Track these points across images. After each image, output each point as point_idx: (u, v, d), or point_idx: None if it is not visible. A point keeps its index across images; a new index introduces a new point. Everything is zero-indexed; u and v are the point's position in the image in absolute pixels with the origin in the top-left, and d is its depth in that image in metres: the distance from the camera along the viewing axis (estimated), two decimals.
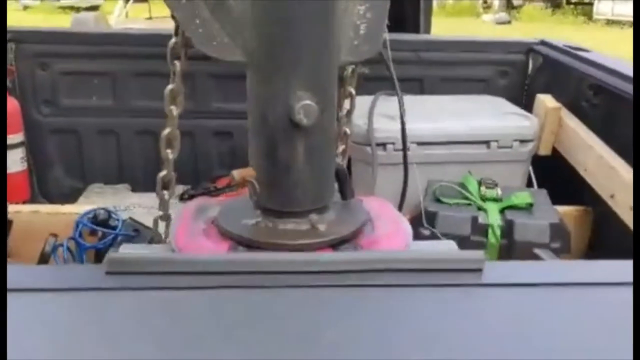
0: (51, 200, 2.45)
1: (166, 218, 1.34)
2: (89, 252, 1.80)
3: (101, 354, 0.54)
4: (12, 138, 2.30)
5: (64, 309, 0.60)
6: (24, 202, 2.29)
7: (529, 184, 2.16)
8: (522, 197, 1.81)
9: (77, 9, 12.93)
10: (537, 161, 2.18)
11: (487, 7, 18.65)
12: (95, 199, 2.38)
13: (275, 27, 1.01)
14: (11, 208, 1.83)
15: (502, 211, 1.79)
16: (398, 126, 1.96)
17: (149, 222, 1.93)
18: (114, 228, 1.84)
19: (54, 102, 2.45)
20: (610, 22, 16.82)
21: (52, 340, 0.56)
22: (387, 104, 2.16)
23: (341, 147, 1.43)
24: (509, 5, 18.62)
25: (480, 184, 1.89)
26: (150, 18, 7.79)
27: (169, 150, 1.24)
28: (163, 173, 1.25)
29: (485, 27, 15.51)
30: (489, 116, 2.18)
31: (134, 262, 0.65)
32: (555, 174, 2.16)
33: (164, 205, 1.30)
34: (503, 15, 17.36)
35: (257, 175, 1.08)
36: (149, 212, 2.36)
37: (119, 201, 2.41)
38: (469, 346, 0.56)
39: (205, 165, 2.57)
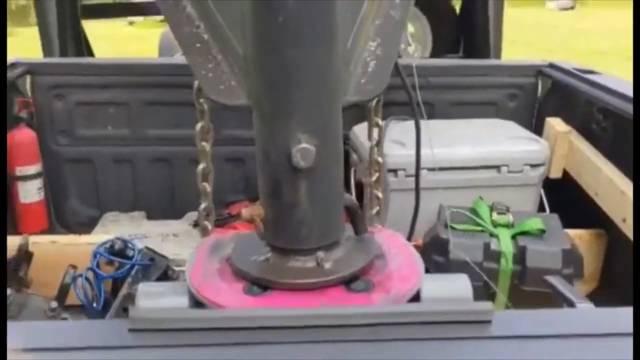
0: (68, 229, 2.49)
1: None
2: (107, 282, 1.84)
3: None
4: (30, 169, 2.35)
5: None
6: (42, 232, 2.34)
7: (541, 208, 2.16)
8: (534, 223, 1.82)
9: None
10: (549, 184, 2.19)
11: None
12: (111, 227, 2.42)
13: (274, 70, 1.03)
14: (31, 239, 1.87)
15: (514, 237, 1.79)
16: (409, 152, 1.98)
17: (163, 250, 1.98)
18: (131, 257, 1.87)
19: (70, 132, 2.50)
20: None
21: None
22: (397, 130, 2.19)
23: (375, 176, 1.44)
24: None
25: (491, 209, 1.90)
26: None
27: (205, 184, 1.28)
28: (203, 205, 1.29)
29: (549, 14, 15.44)
30: (499, 141, 2.19)
31: (157, 320, 0.67)
32: (566, 197, 2.16)
33: (206, 235, 1.34)
34: (566, 2, 17.54)
35: (265, 212, 1.11)
36: (164, 240, 2.40)
37: (134, 229, 2.45)
38: None
39: (219, 191, 2.60)
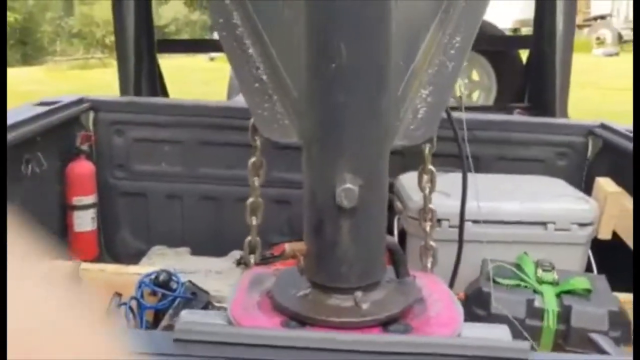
0: (116, 260, 2.56)
1: None
2: (149, 312, 1.88)
3: None
4: (86, 199, 2.46)
5: None
6: (92, 261, 2.42)
7: (589, 269, 2.11)
8: (580, 282, 1.78)
9: None
10: (597, 246, 2.14)
11: (600, 42, 20.42)
12: (157, 260, 2.49)
13: (325, 113, 1.07)
14: (81, 266, 1.94)
15: (558, 295, 1.75)
16: (453, 202, 1.98)
17: (206, 285, 2.01)
18: (174, 290, 1.91)
19: (126, 166, 2.61)
20: None
21: None
22: (443, 181, 2.19)
23: (428, 225, 1.46)
24: (619, 40, 20.43)
25: (536, 265, 1.87)
26: None
27: (253, 218, 1.32)
28: (248, 239, 1.33)
29: (594, 59, 16.61)
30: (545, 197, 2.17)
31: (200, 332, 0.70)
32: (615, 260, 2.10)
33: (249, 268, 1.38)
34: (611, 49, 19.28)
35: (307, 248, 1.13)
36: (207, 276, 2.45)
37: (179, 263, 2.50)
38: None
39: (264, 232, 2.65)
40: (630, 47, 19.69)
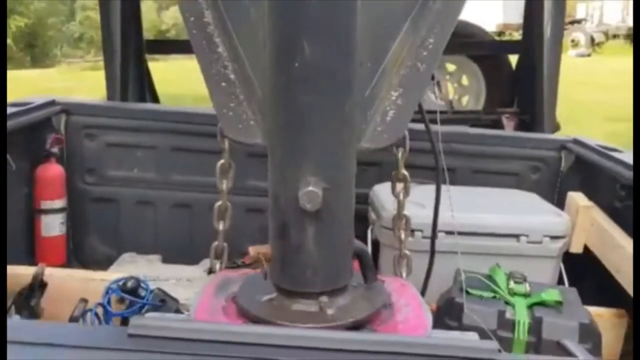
0: (85, 266, 2.51)
1: None
2: (116, 320, 1.83)
3: None
4: (55, 203, 2.41)
5: None
6: (59, 266, 2.36)
7: (560, 282, 2.12)
8: (551, 294, 1.78)
9: None
10: (569, 259, 2.16)
11: (575, 44, 21.94)
12: (127, 267, 2.44)
13: (287, 113, 1.05)
14: (47, 271, 1.89)
15: (530, 307, 1.75)
16: (427, 213, 1.98)
17: (175, 293, 1.97)
18: (142, 297, 1.87)
19: (98, 171, 2.56)
20: None
21: None
22: (418, 192, 2.19)
23: (402, 234, 1.43)
24: (592, 43, 22.12)
25: (508, 277, 1.87)
26: None
27: (221, 222, 1.29)
28: (215, 244, 1.30)
29: (568, 60, 18.70)
30: (519, 210, 2.18)
31: (155, 327, 0.68)
32: (587, 273, 2.12)
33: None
34: (584, 50, 20.89)
35: (272, 253, 1.11)
36: (177, 284, 2.40)
37: (149, 271, 2.46)
38: None
39: (236, 240, 2.62)
40: (601, 49, 21.93)
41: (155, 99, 3.26)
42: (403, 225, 1.43)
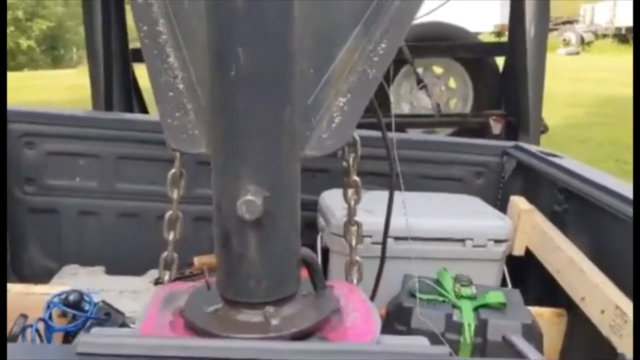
0: (23, 280, 2.41)
1: None
2: (58, 335, 1.77)
3: None
4: None
5: None
6: None
7: (503, 283, 2.18)
8: (496, 296, 1.83)
9: None
10: (512, 261, 2.22)
11: (566, 43, 23.81)
12: (69, 280, 2.35)
13: (226, 121, 1.04)
14: None
15: (475, 309, 1.80)
16: (376, 219, 2.00)
17: (121, 306, 1.92)
18: (86, 311, 1.81)
19: (37, 181, 2.47)
20: None
21: None
22: (366, 198, 2.21)
23: (353, 240, 1.42)
24: (582, 42, 23.97)
25: (455, 280, 1.91)
26: None
27: (171, 232, 1.27)
28: (164, 254, 1.27)
29: (557, 58, 19.08)
30: (464, 215, 2.23)
31: (103, 344, 0.66)
32: (528, 275, 2.19)
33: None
34: (573, 49, 22.69)
35: (217, 263, 1.10)
36: (121, 295, 2.34)
37: (92, 283, 2.38)
38: None
39: (184, 251, 2.57)
40: (590, 48, 23.71)
41: (142, 108, 3.15)
42: (354, 231, 1.42)
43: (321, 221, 2.29)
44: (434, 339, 1.67)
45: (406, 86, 4.45)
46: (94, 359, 0.64)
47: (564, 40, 24.17)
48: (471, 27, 5.09)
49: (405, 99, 4.47)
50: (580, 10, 27.12)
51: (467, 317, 1.76)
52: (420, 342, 0.87)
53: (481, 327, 1.74)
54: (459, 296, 1.85)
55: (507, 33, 3.45)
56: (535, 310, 1.95)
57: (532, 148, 2.53)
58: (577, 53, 22.59)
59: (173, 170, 1.26)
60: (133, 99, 2.99)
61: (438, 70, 4.50)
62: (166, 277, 1.28)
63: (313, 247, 2.22)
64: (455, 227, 2.13)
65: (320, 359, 0.67)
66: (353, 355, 0.68)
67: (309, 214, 2.24)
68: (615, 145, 7.87)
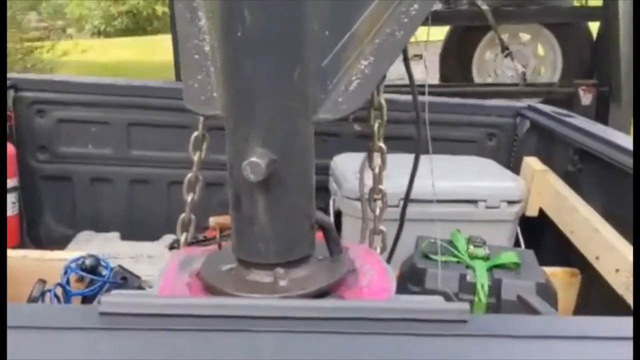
0: (40, 246, 2.44)
1: None
2: (76, 299, 1.80)
3: None
4: (7, 182, 2.32)
5: (61, 347, 0.62)
6: (13, 247, 2.29)
7: (517, 244, 2.18)
8: (509, 256, 1.83)
9: None
10: (525, 222, 2.22)
11: None
12: (84, 246, 2.38)
13: (235, 82, 1.03)
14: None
15: (489, 270, 1.80)
16: (389, 183, 1.99)
17: (137, 270, 1.94)
18: (102, 275, 1.84)
19: (50, 149, 2.48)
20: None
21: None
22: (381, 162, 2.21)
23: (378, 208, 1.40)
24: None
25: (468, 241, 1.91)
26: None
27: (190, 194, 1.28)
28: (182, 215, 1.28)
29: None
30: (477, 177, 2.22)
31: (126, 304, 0.67)
32: (542, 235, 2.19)
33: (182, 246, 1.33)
34: None
35: (231, 223, 1.11)
36: (137, 261, 2.36)
37: (108, 249, 2.41)
38: None
39: (197, 215, 2.59)
40: None
41: None
42: (379, 198, 1.41)
43: (333, 185, 2.29)
44: (448, 300, 1.68)
45: (490, 54, 4.24)
46: (117, 319, 0.65)
47: None
48: None
49: (489, 67, 4.26)
50: None
51: (480, 277, 1.76)
52: (435, 301, 0.88)
53: (495, 287, 1.74)
54: (473, 257, 1.85)
55: None
56: (549, 270, 1.95)
57: (546, 108, 2.50)
58: None
59: (196, 133, 1.27)
60: None
61: (525, 36, 4.24)
62: (182, 238, 1.29)
63: (325, 211, 2.22)
64: (468, 189, 2.13)
65: (332, 316, 0.68)
66: (368, 313, 0.68)
67: (320, 177, 2.24)
68: None
